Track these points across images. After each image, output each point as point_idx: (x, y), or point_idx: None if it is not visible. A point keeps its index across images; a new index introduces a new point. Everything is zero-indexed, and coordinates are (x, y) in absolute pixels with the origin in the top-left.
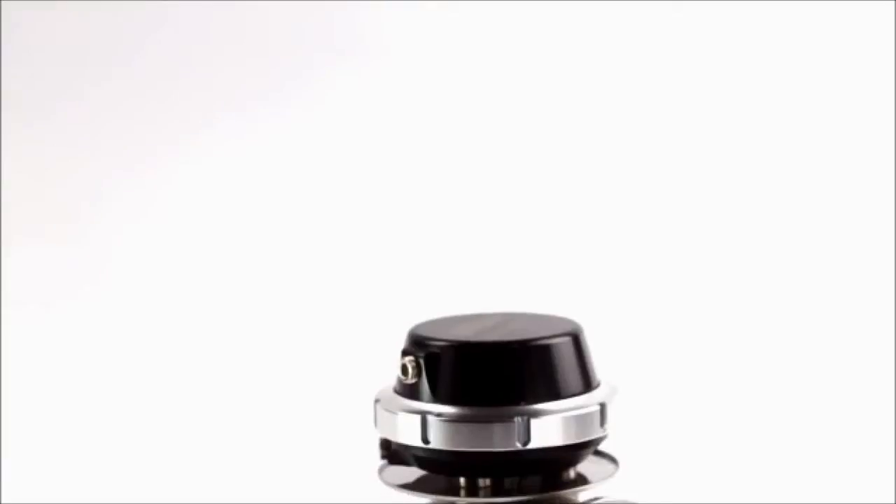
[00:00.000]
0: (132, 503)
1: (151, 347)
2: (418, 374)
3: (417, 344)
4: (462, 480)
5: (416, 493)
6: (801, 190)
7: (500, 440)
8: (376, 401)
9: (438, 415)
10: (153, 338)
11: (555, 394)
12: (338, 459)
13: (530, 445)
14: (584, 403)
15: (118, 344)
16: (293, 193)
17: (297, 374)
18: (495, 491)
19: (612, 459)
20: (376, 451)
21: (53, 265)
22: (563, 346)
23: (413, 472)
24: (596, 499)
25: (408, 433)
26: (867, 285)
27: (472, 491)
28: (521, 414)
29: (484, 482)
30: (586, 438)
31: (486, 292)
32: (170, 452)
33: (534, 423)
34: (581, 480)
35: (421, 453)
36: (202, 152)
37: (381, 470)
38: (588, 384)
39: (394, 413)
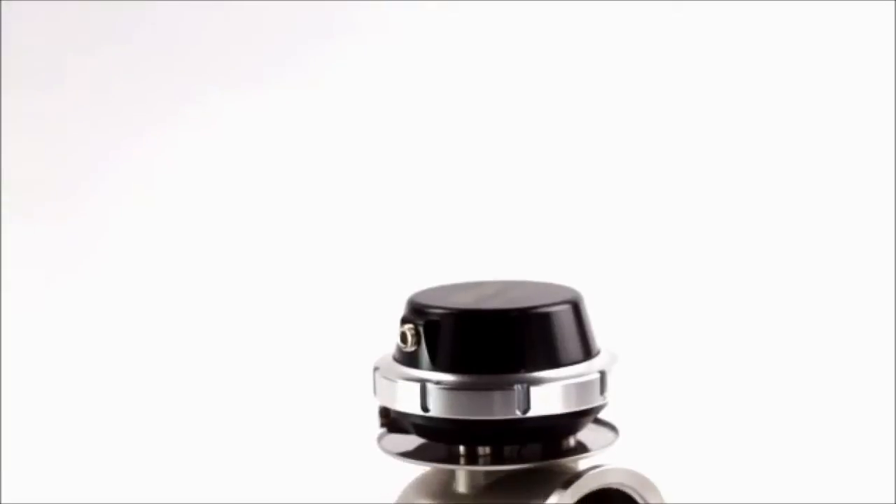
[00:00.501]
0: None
1: (149, 321)
2: (417, 342)
3: (417, 312)
4: (461, 448)
5: (415, 461)
6: (799, 165)
7: (499, 408)
8: (375, 369)
9: (438, 383)
10: (150, 312)
11: (555, 362)
12: (337, 428)
13: (530, 413)
14: (584, 371)
15: (115, 319)
16: (291, 162)
17: (296, 343)
18: (495, 459)
19: (612, 428)
20: (375, 420)
21: (50, 242)
22: (563, 313)
23: (412, 441)
24: (596, 467)
25: (407, 401)
26: (868, 274)
27: (472, 459)
28: (521, 382)
29: (483, 450)
30: (586, 406)
31: (486, 260)
32: (169, 415)
33: (534, 390)
34: (581, 448)
35: (420, 421)
36: (199, 128)
37: (380, 438)
38: (588, 352)
39: (393, 381)
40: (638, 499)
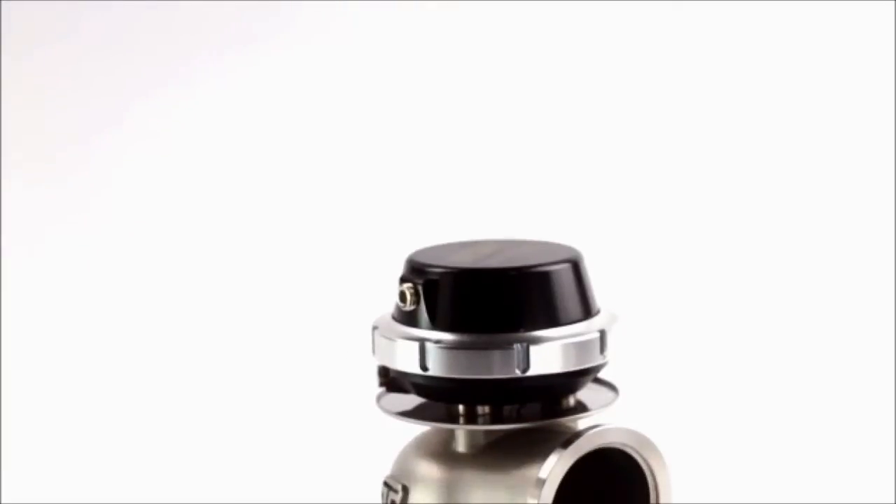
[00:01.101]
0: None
1: (146, 283)
2: (417, 301)
3: (416, 271)
4: (461, 408)
5: (414, 420)
6: (801, 138)
7: (499, 367)
8: (374, 328)
9: (437, 342)
10: (147, 273)
11: (554, 321)
12: (336, 387)
13: (530, 372)
14: (584, 330)
15: (113, 281)
16: (290, 121)
17: (296, 302)
18: (494, 418)
19: (612, 387)
20: (374, 379)
21: (48, 201)
22: (563, 272)
23: (411, 400)
24: (595, 426)
25: (406, 360)
26: (870, 263)
27: (471, 418)
28: (521, 341)
29: (483, 409)
30: (586, 366)
31: (486, 219)
32: (169, 380)
33: (533, 349)
34: (580, 408)
35: (419, 381)
36: (196, 88)
37: (379, 397)
38: (588, 311)
39: (392, 340)
40: (638, 458)
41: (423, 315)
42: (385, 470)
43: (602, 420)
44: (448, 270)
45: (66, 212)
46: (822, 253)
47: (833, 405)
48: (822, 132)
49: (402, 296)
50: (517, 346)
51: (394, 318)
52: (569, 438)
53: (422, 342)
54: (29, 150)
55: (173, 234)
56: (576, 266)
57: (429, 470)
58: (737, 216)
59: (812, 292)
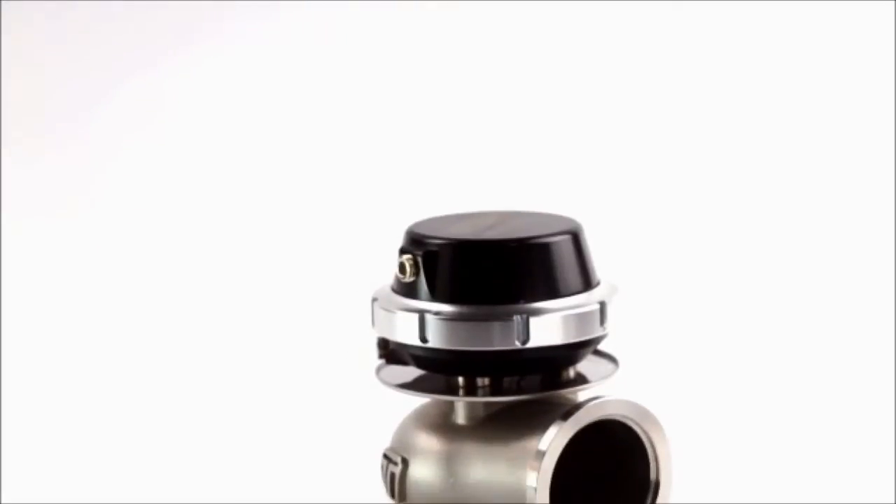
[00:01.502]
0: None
1: (145, 255)
2: (416, 273)
3: (416, 242)
4: (461, 380)
5: (414, 392)
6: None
7: (499, 339)
8: (374, 300)
9: (437, 313)
10: (146, 245)
11: (554, 292)
12: (335, 359)
13: (529, 344)
14: (584, 302)
15: (114, 254)
16: (292, 93)
17: (295, 274)
18: (494, 390)
19: (612, 359)
20: (374, 351)
21: (51, 173)
22: (563, 244)
23: (411, 372)
24: (595, 398)
25: (406, 332)
26: (867, 232)
27: (471, 390)
28: (521, 312)
29: (483, 381)
30: (586, 337)
31: (486, 190)
32: (168, 355)
33: (533, 321)
34: (580, 380)
35: (419, 352)
36: (196, 58)
37: (378, 369)
38: (588, 283)
39: (392, 312)
40: (638, 430)
41: (423, 287)
42: (384, 442)
43: (602, 392)
44: (448, 242)
45: (54, 196)
46: (824, 222)
47: (834, 379)
48: (824, 104)
49: (402, 267)
50: (517, 318)
51: (393, 289)
52: (569, 410)
53: (421, 314)
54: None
55: (170, 206)
56: (576, 237)
57: (428, 442)
58: (737, 187)
59: (814, 261)
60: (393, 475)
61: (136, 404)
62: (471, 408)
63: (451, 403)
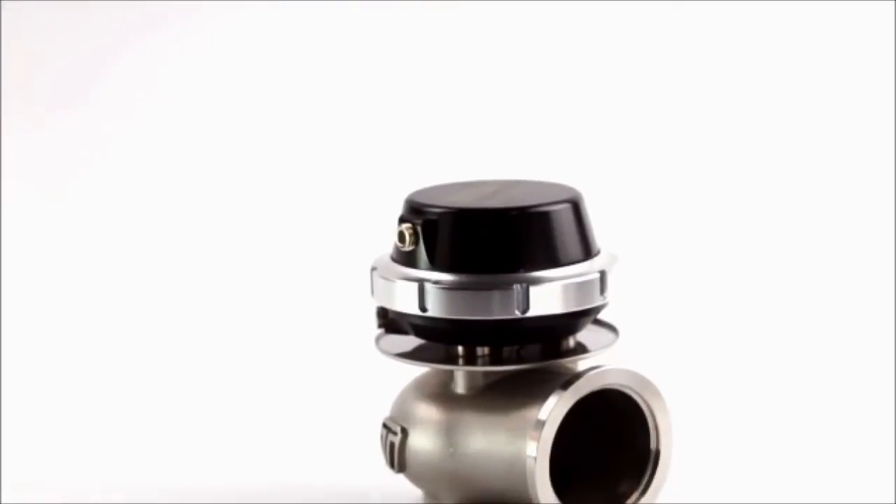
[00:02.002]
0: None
1: (144, 228)
2: (416, 242)
3: (415, 211)
4: (460, 349)
5: (413, 361)
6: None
7: (498, 308)
8: (373, 269)
9: (436, 282)
10: (146, 217)
11: (554, 261)
12: (335, 328)
13: (529, 313)
14: (584, 271)
15: (116, 226)
16: (291, 62)
17: (294, 242)
18: (494, 360)
19: (612, 328)
20: (373, 320)
21: (51, 146)
22: (563, 212)
23: (410, 341)
24: (595, 367)
25: (405, 301)
26: (867, 214)
27: (471, 360)
28: (520, 281)
29: (482, 351)
30: (586, 306)
31: (485, 159)
32: (167, 326)
33: (533, 290)
34: (580, 349)
35: (418, 322)
36: (192, 33)
37: (378, 339)
38: (588, 252)
39: (391, 281)
40: (638, 400)
41: (422, 255)
42: (384, 412)
43: (602, 361)
44: (447, 210)
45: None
46: (825, 195)
47: (835, 354)
48: (823, 73)
49: (401, 236)
50: (517, 287)
51: (392, 258)
52: (569, 380)
53: (421, 283)
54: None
55: (165, 177)
56: (576, 206)
57: (428, 412)
58: (737, 154)
59: (816, 229)
60: (392, 445)
61: (133, 373)
62: (470, 377)
63: (451, 373)
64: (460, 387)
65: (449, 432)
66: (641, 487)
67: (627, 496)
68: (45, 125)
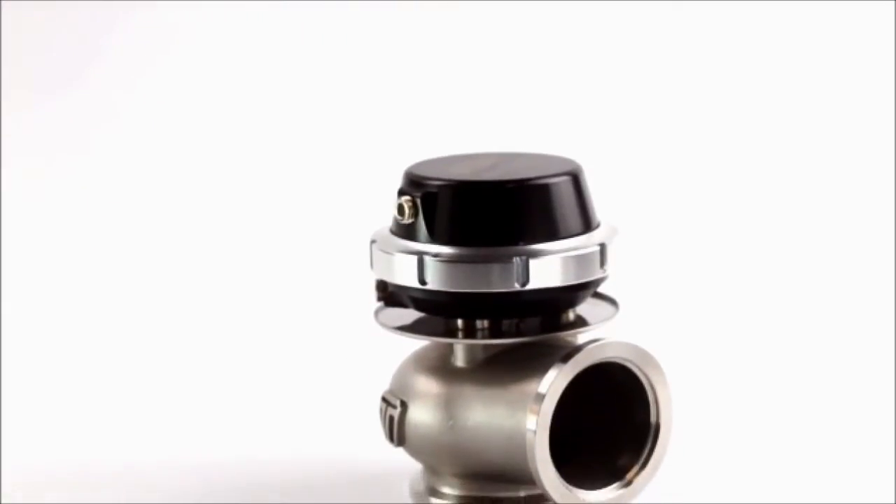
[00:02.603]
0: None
1: (145, 195)
2: (415, 215)
3: (414, 184)
4: (460, 322)
5: (413, 335)
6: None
7: (498, 281)
8: (372, 241)
9: (435, 255)
10: (140, 187)
11: (554, 234)
12: (334, 301)
13: (529, 286)
14: (584, 244)
15: (117, 195)
16: (290, 32)
17: (293, 215)
18: (493, 333)
19: (612, 301)
20: (372, 293)
21: (52, 119)
22: (563, 185)
23: (410, 314)
24: (595, 340)
25: (404, 274)
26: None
27: (470, 333)
28: (520, 254)
29: (482, 324)
30: (586, 279)
31: (485, 132)
32: (167, 298)
33: (533, 263)
34: (580, 322)
35: (418, 295)
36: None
37: (377, 312)
38: (588, 224)
39: (390, 254)
40: (638, 373)
41: (422, 228)
42: (383, 385)
43: (602, 335)
44: (447, 183)
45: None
46: (827, 169)
47: (838, 324)
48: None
49: (401, 209)
50: (516, 260)
51: (392, 231)
52: (568, 353)
53: (420, 256)
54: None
55: (166, 149)
56: (576, 179)
57: (427, 385)
58: (739, 129)
59: (818, 204)
60: (392, 418)
61: (133, 347)
62: (470, 350)
63: (450, 346)
64: (460, 360)
65: (448, 406)
66: (641, 461)
67: (627, 469)
68: (35, 113)
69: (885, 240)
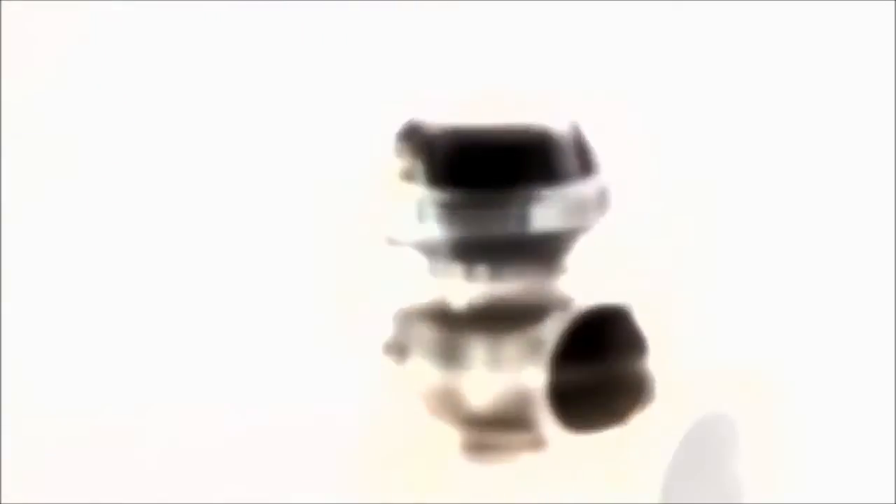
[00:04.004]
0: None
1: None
2: (413, 159)
3: (412, 129)
4: (459, 268)
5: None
6: None
7: (497, 225)
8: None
9: (434, 200)
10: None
11: (555, 178)
12: (332, 249)
13: (529, 230)
14: (585, 188)
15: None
16: (295, 34)
17: (290, 162)
18: (493, 278)
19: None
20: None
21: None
22: (563, 131)
23: None
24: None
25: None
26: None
27: (470, 278)
28: (520, 198)
29: (482, 269)
30: (587, 224)
31: (484, 76)
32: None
33: (533, 207)
34: None
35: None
36: None
37: None
38: (589, 169)
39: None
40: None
41: (420, 174)
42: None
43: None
44: (445, 127)
45: None
46: (827, 169)
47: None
48: None
49: (399, 153)
50: (517, 204)
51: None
52: (569, 298)
53: (419, 201)
54: None
55: (160, 109)
56: (576, 128)
57: (427, 332)
58: (739, 128)
59: (819, 207)
60: None
61: (133, 347)
62: (470, 296)
63: (450, 292)
64: (459, 306)
65: (448, 352)
66: (643, 410)
67: (628, 418)
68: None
69: (885, 240)
